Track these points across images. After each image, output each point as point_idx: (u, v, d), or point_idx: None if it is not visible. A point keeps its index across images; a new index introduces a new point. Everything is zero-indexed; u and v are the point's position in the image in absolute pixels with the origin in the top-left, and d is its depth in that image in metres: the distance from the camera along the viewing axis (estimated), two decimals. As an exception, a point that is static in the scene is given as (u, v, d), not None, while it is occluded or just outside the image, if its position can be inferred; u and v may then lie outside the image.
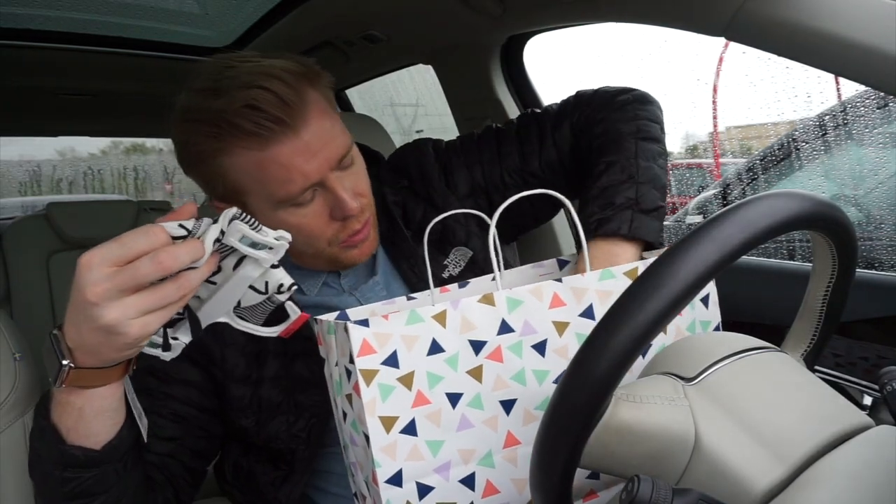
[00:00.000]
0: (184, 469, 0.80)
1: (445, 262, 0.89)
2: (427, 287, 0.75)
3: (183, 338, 0.63)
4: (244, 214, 0.57)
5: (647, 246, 0.80)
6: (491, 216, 0.92)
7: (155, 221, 0.55)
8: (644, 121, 0.87)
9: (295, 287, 0.63)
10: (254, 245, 0.58)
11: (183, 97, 0.75)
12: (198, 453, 0.83)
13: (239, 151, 0.72)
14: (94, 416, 0.62)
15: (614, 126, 0.86)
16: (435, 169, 0.94)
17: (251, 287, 0.62)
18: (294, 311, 0.66)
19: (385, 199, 0.91)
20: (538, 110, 0.98)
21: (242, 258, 0.60)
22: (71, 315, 0.56)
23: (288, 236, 0.59)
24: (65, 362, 0.57)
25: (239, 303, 0.64)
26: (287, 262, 0.88)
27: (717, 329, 0.76)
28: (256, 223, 0.58)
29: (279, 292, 0.62)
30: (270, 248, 0.59)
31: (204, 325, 0.63)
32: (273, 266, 0.61)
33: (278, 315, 0.66)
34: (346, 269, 0.88)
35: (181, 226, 0.55)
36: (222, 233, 0.56)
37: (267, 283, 0.62)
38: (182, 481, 0.80)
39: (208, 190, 0.79)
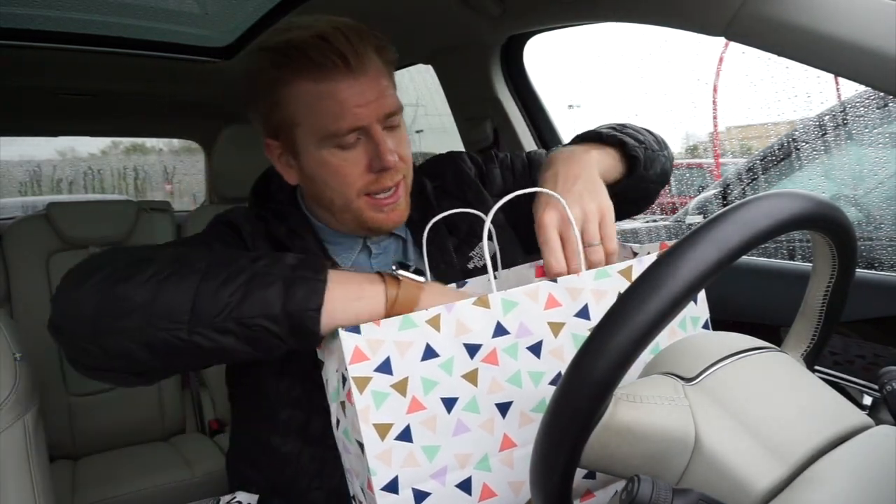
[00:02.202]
0: None
1: (471, 255, 0.94)
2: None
3: None
4: None
5: (628, 161, 0.93)
6: (514, 221, 0.96)
7: None
8: (639, 130, 1.02)
9: None
10: None
11: (259, 40, 0.82)
12: None
13: (300, 82, 0.78)
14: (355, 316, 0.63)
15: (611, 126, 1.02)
16: (472, 171, 1.01)
17: None
18: None
19: (425, 188, 0.95)
20: None
21: None
22: None
23: None
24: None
25: None
26: (325, 231, 0.91)
27: (705, 325, 0.76)
28: None
29: None
30: None
31: None
32: None
33: None
34: (374, 236, 0.91)
35: None
36: None
37: None
38: None
39: (264, 126, 0.85)
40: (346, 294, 0.64)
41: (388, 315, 0.64)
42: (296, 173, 0.86)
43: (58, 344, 0.64)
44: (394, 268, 0.67)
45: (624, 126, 0.99)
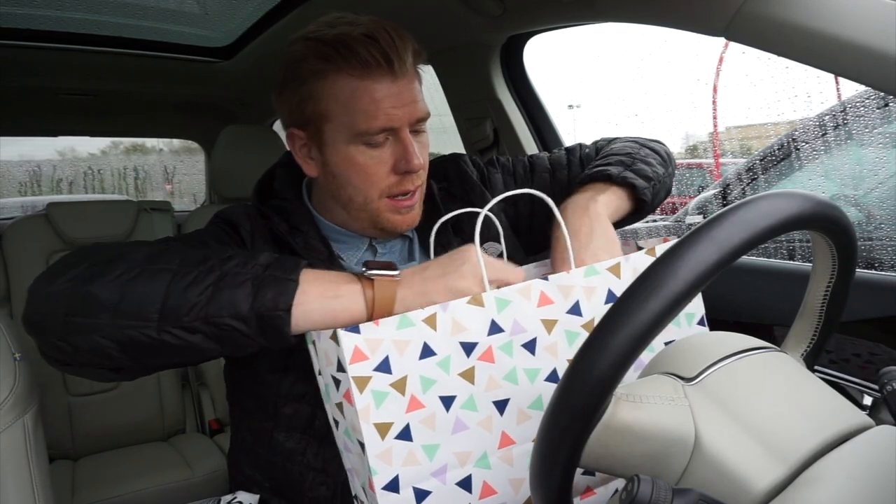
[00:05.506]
0: None
1: None
2: None
3: None
4: None
5: (636, 201, 0.92)
6: (516, 224, 0.97)
7: None
8: (647, 143, 1.04)
9: None
10: None
11: (304, 30, 0.82)
12: None
13: (341, 77, 0.79)
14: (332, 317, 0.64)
15: (623, 141, 1.04)
16: (474, 173, 1.02)
17: None
18: None
19: (431, 190, 0.96)
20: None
21: None
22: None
23: None
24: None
25: None
26: (330, 229, 0.90)
27: (701, 321, 0.77)
28: None
29: None
30: None
31: None
32: None
33: None
34: (384, 238, 0.91)
35: None
36: None
37: None
38: None
39: (293, 115, 0.84)
40: (321, 292, 0.64)
41: (371, 316, 0.64)
42: (316, 166, 0.86)
43: (32, 338, 0.65)
44: (363, 269, 0.66)
45: (633, 159, 0.96)
